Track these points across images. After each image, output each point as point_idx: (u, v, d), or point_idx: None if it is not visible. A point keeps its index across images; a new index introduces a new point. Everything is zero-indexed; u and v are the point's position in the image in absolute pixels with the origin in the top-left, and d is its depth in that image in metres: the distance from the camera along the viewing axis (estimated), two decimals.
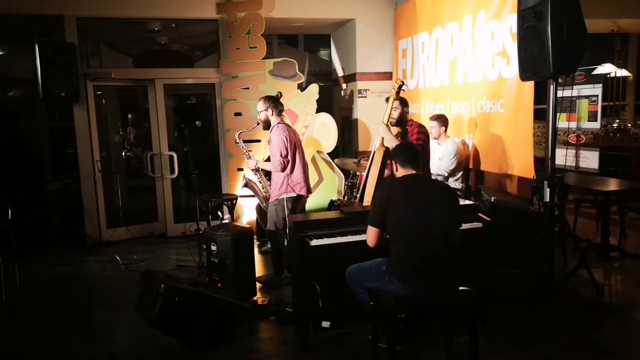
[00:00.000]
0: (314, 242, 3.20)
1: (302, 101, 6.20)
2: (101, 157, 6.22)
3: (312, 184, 5.59)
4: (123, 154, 7.24)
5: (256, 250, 5.47)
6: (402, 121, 4.42)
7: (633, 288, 4.36)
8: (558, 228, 4.38)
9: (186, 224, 6.31)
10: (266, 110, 4.40)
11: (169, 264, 5.26)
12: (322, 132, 6.20)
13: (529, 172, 4.41)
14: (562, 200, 4.16)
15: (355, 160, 5.67)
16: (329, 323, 3.35)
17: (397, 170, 3.03)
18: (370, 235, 2.90)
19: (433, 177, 4.84)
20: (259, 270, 4.75)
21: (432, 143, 4.81)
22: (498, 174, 4.93)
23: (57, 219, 6.20)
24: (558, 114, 3.95)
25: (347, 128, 7.30)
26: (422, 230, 2.78)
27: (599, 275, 4.36)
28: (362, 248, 3.00)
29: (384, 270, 2.85)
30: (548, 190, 3.86)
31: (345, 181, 6.02)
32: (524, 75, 3.85)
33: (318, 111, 6.23)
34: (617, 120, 7.83)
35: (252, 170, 4.67)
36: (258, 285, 4.36)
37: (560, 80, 3.87)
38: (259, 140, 5.98)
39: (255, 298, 4.11)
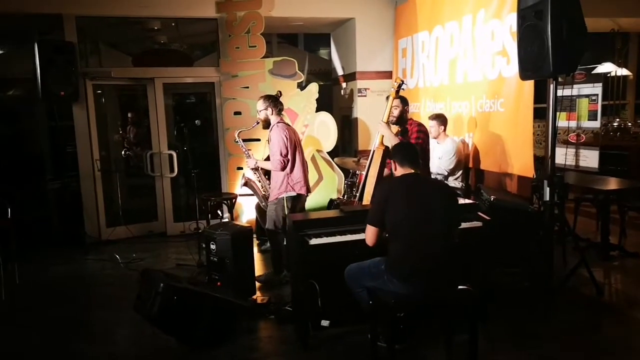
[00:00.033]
0: (313, 241, 3.19)
1: (302, 100, 6.20)
2: (101, 156, 6.22)
3: (311, 183, 5.59)
4: (122, 152, 7.24)
5: (256, 249, 5.48)
6: (402, 120, 4.43)
7: (633, 287, 4.35)
8: (558, 227, 4.38)
9: (186, 222, 6.32)
10: (266, 109, 4.40)
11: (169, 263, 5.26)
12: (322, 131, 6.19)
13: (529, 171, 4.41)
14: (562, 199, 4.15)
15: (355, 159, 5.67)
16: (328, 322, 3.34)
17: (395, 170, 3.02)
18: (369, 235, 2.89)
19: (433, 177, 4.84)
20: (259, 269, 4.74)
21: (432, 142, 4.81)
22: (498, 173, 4.93)
23: (56, 218, 6.20)
24: (558, 113, 3.95)
25: (347, 127, 7.29)
26: (422, 229, 2.77)
27: (599, 274, 4.35)
28: (361, 247, 2.99)
29: (383, 270, 2.85)
30: (548, 189, 3.86)
31: (345, 180, 6.02)
32: (524, 74, 3.84)
33: (318, 110, 6.23)
34: (618, 119, 7.82)
35: (252, 169, 4.66)
36: (257, 284, 4.35)
37: (560, 79, 3.86)
38: (258, 139, 5.98)
39: (254, 297, 4.11)
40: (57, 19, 5.83)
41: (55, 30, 6.10)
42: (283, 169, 4.28)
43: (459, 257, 2.90)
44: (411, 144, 3.27)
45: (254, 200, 5.19)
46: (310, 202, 5.28)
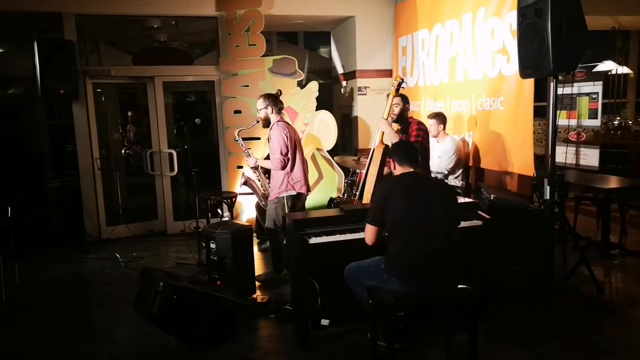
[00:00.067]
0: (313, 240, 3.19)
1: (302, 99, 6.19)
2: (101, 155, 6.21)
3: (311, 181, 5.59)
4: (122, 151, 7.23)
5: (256, 248, 5.48)
6: (403, 118, 4.42)
7: (633, 286, 4.35)
8: (558, 226, 4.37)
9: (186, 221, 6.31)
10: (266, 108, 4.39)
11: (169, 262, 5.26)
12: (322, 129, 6.19)
13: (529, 170, 4.40)
14: (562, 198, 4.15)
15: (355, 157, 5.66)
16: (328, 321, 3.34)
17: (394, 169, 3.02)
18: (369, 234, 2.89)
19: (433, 175, 4.83)
20: (259, 268, 4.74)
21: (432, 141, 4.80)
22: (498, 172, 4.92)
23: (56, 217, 6.19)
24: (558, 112, 3.93)
25: (347, 125, 7.28)
26: (422, 228, 2.77)
27: (599, 273, 4.35)
28: (361, 246, 2.99)
29: (382, 269, 2.85)
30: (548, 187, 3.85)
31: (345, 179, 6.01)
32: (524, 72, 3.83)
33: (318, 109, 6.22)
34: (618, 118, 7.81)
35: (251, 168, 4.66)
36: (257, 283, 4.35)
37: (560, 78, 3.85)
38: (258, 138, 5.97)
39: (254, 296, 4.11)
40: (56, 17, 5.81)
41: (55, 28, 6.09)
42: (283, 167, 4.28)
43: (459, 256, 2.89)
44: (410, 143, 3.27)
45: (254, 199, 5.19)
46: (311, 200, 5.27)
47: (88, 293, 4.64)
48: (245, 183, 4.80)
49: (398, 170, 2.98)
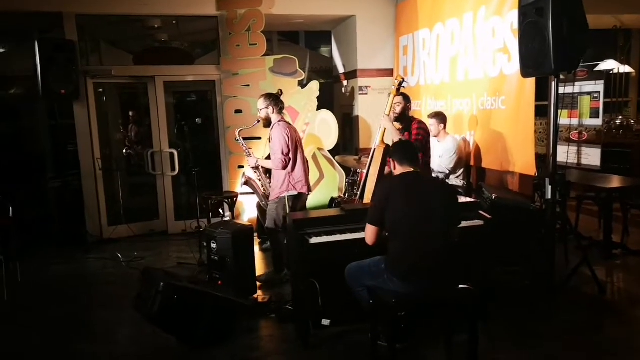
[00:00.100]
0: (314, 240, 3.19)
1: (303, 98, 6.18)
2: (102, 155, 6.21)
3: (312, 181, 5.58)
4: (124, 151, 7.24)
5: (257, 248, 5.48)
6: (405, 117, 4.42)
7: (635, 286, 4.33)
8: (560, 225, 4.36)
9: (187, 221, 6.31)
10: (267, 108, 4.38)
11: (170, 262, 5.26)
12: (323, 129, 6.18)
13: (531, 169, 4.39)
14: (563, 198, 4.14)
15: (356, 157, 5.65)
16: (329, 321, 3.34)
17: (395, 169, 3.01)
18: (369, 234, 2.88)
19: (434, 175, 4.83)
20: (260, 268, 4.74)
21: (433, 141, 4.80)
22: (499, 171, 4.91)
23: (58, 217, 6.20)
24: (559, 111, 3.92)
25: (348, 125, 7.28)
26: (422, 228, 2.76)
27: (601, 272, 4.33)
28: (361, 246, 2.99)
29: (383, 269, 2.84)
30: (550, 187, 3.84)
31: (346, 178, 6.01)
32: (525, 71, 3.82)
33: (319, 108, 6.21)
34: (620, 117, 7.78)
35: (252, 168, 4.65)
36: (258, 283, 4.35)
37: (561, 77, 3.84)
38: (259, 138, 5.96)
39: (255, 296, 4.11)
40: (57, 17, 5.82)
41: (55, 28, 6.09)
42: (284, 167, 4.27)
43: (460, 256, 2.89)
44: (410, 143, 3.27)
45: (256, 199, 5.19)
46: (312, 200, 5.26)
47: (89, 293, 4.65)
48: (246, 183, 4.80)
49: (398, 170, 2.97)
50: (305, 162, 4.48)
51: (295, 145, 4.34)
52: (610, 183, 5.07)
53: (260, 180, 4.73)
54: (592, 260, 4.18)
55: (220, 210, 5.64)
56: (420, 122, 4.45)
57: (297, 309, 3.53)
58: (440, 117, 5.00)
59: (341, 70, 7.53)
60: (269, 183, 4.56)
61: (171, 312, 3.13)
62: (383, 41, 6.80)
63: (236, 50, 6.13)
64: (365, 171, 4.34)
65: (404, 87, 4.39)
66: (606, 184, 5.01)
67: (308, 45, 10.23)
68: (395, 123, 4.37)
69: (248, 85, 6.17)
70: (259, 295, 4.14)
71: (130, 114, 7.44)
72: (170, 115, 7.05)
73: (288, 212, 4.19)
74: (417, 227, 2.76)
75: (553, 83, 3.82)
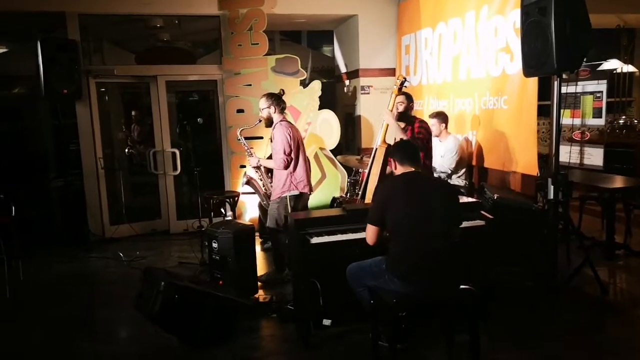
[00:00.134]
0: (315, 240, 3.18)
1: (305, 98, 6.18)
2: (104, 154, 6.22)
3: (314, 181, 5.58)
4: (126, 150, 7.25)
5: (259, 248, 5.48)
6: (407, 116, 4.41)
7: (638, 286, 4.32)
8: (562, 225, 4.34)
9: (189, 221, 6.31)
10: (269, 107, 4.38)
11: (171, 261, 5.27)
12: (325, 128, 6.17)
13: (533, 169, 4.38)
14: (566, 198, 4.12)
15: (358, 157, 5.64)
16: (329, 321, 3.33)
17: (395, 169, 3.00)
18: (370, 234, 2.88)
19: (436, 174, 4.82)
20: (261, 267, 4.74)
21: (434, 140, 4.78)
22: (502, 171, 4.89)
23: (60, 216, 6.22)
24: (562, 111, 3.91)
25: (350, 125, 7.27)
26: (422, 228, 2.75)
27: (603, 273, 4.32)
28: (362, 246, 2.98)
29: (384, 269, 2.83)
30: (552, 187, 3.83)
31: (347, 178, 6.00)
32: (528, 71, 3.81)
33: (321, 108, 6.20)
34: (624, 117, 7.75)
35: (254, 167, 4.65)
36: (259, 282, 4.34)
37: (564, 76, 3.82)
38: (261, 138, 5.96)
39: (256, 295, 4.11)
40: (60, 17, 5.83)
41: (58, 28, 6.10)
42: (286, 167, 4.27)
43: (460, 256, 2.87)
44: (411, 143, 3.26)
45: (257, 198, 5.19)
46: (313, 200, 5.26)
47: (91, 292, 4.66)
48: (248, 182, 4.80)
49: (399, 169, 2.96)
50: (306, 162, 4.48)
51: (297, 145, 4.34)
52: (613, 183, 5.05)
53: (261, 180, 4.73)
54: (595, 260, 4.16)
55: (222, 210, 5.64)
56: (422, 122, 4.44)
57: (298, 308, 3.53)
58: (442, 117, 4.99)
59: (343, 69, 7.52)
60: (270, 183, 4.56)
61: (172, 312, 3.13)
62: (385, 40, 6.79)
63: (238, 50, 6.13)
64: (366, 171, 4.33)
65: (405, 86, 4.38)
66: (609, 184, 4.99)
67: (310, 45, 10.21)
68: (398, 122, 4.36)
69: (250, 85, 6.17)
70: (260, 294, 4.14)
71: (133, 113, 7.45)
72: (173, 114, 7.06)
73: (289, 211, 4.19)
74: (417, 227, 2.75)
75: (555, 83, 3.80)
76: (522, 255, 4.12)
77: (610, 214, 4.93)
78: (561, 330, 3.45)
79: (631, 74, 8.36)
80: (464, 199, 3.77)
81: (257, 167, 4.64)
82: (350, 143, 7.34)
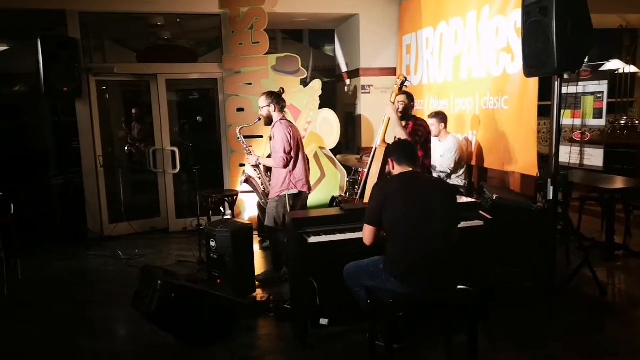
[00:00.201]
0: (312, 240, 3.17)
1: (305, 97, 6.17)
2: (104, 152, 6.22)
3: (314, 180, 5.57)
4: (125, 148, 7.24)
5: (257, 247, 5.47)
6: (408, 115, 4.40)
7: (637, 287, 4.30)
8: (562, 226, 4.33)
9: (187, 219, 6.31)
10: (268, 106, 4.37)
11: (170, 260, 5.26)
12: (325, 128, 6.16)
13: (532, 170, 4.36)
14: (566, 198, 4.11)
15: (358, 156, 5.64)
16: (327, 320, 3.32)
17: (393, 169, 2.99)
18: (367, 234, 2.87)
19: (435, 175, 4.81)
20: (259, 266, 4.73)
21: (434, 140, 4.77)
22: (501, 171, 4.88)
23: (59, 214, 6.22)
24: (562, 111, 3.89)
25: (350, 124, 7.26)
26: (422, 228, 2.74)
27: (602, 274, 4.31)
28: (360, 246, 2.96)
29: (381, 269, 2.82)
30: (552, 188, 3.81)
31: (347, 177, 5.99)
32: (528, 71, 3.79)
33: (322, 107, 6.19)
34: (625, 117, 7.72)
35: (252, 166, 4.64)
36: (257, 282, 4.34)
37: (565, 77, 3.81)
38: (261, 136, 5.95)
39: (254, 294, 4.10)
40: (60, 15, 5.83)
41: (59, 26, 6.10)
42: (286, 166, 4.26)
43: (460, 256, 2.86)
44: (409, 143, 3.25)
45: (256, 197, 5.18)
46: (313, 199, 5.25)
47: (90, 290, 4.64)
48: (247, 181, 4.79)
49: (397, 169, 2.95)
50: (306, 161, 4.47)
51: (296, 144, 4.33)
52: (614, 184, 5.03)
53: (260, 179, 4.72)
54: (594, 261, 4.15)
55: (221, 209, 5.63)
56: (422, 120, 4.44)
57: (295, 308, 3.52)
58: (441, 117, 4.98)
59: (344, 69, 7.51)
60: (269, 181, 4.55)
61: (169, 311, 3.13)
62: (386, 40, 6.77)
63: (239, 49, 6.12)
64: (366, 170, 4.32)
65: (406, 86, 4.37)
66: (609, 185, 4.98)
67: (312, 44, 10.21)
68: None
69: (250, 84, 6.16)
70: (258, 294, 4.13)
71: (133, 111, 7.45)
72: (173, 113, 7.06)
73: (288, 210, 4.18)
74: (416, 227, 2.74)
75: (556, 83, 3.78)
76: (522, 255, 4.11)
77: (610, 214, 4.92)
78: (560, 330, 3.45)
79: (633, 74, 8.34)
80: (463, 199, 3.76)
81: (256, 166, 4.64)
82: (350, 142, 7.33)
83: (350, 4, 6.64)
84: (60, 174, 6.18)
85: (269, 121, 4.42)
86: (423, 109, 6.14)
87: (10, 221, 4.62)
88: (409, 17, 6.46)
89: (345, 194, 5.78)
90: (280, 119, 4.36)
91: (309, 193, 4.52)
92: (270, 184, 4.50)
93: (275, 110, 4.37)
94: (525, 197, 4.67)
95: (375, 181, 4.02)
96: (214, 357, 3.24)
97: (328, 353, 3.22)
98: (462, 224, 3.23)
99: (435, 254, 2.74)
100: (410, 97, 4.45)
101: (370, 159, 4.27)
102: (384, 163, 4.09)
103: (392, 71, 6.80)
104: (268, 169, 4.62)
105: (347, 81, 7.31)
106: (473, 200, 3.92)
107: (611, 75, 5.93)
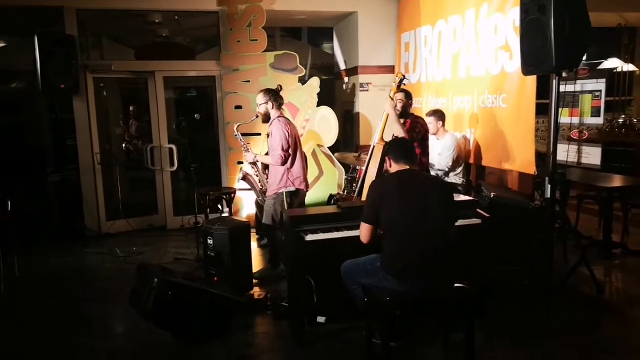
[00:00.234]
0: (309, 237, 3.17)
1: (303, 94, 6.15)
2: (101, 150, 6.20)
3: (312, 177, 5.56)
4: (123, 145, 7.22)
5: (255, 244, 5.47)
6: (406, 113, 4.40)
7: (634, 285, 4.31)
8: (559, 224, 4.33)
9: (185, 216, 6.30)
10: (266, 103, 4.36)
11: (167, 257, 5.25)
12: (323, 125, 6.15)
13: (530, 168, 4.36)
14: (563, 196, 4.11)
15: (356, 154, 5.63)
16: (324, 318, 3.33)
17: (390, 166, 2.98)
18: (364, 232, 2.86)
19: (433, 172, 4.80)
20: (257, 264, 4.73)
21: (431, 139, 4.77)
22: (499, 169, 4.88)
23: (56, 211, 6.21)
24: (560, 109, 3.89)
25: (349, 122, 7.25)
26: (419, 225, 2.73)
27: (599, 272, 4.31)
28: (357, 243, 2.96)
29: (378, 267, 2.82)
30: (549, 186, 3.81)
31: (345, 175, 5.99)
32: (526, 69, 3.79)
33: (320, 104, 6.18)
34: (623, 116, 7.73)
35: (250, 163, 4.63)
36: (254, 279, 4.33)
37: (563, 75, 3.81)
38: (259, 134, 5.94)
39: (252, 292, 4.10)
40: (58, 11, 5.80)
41: (56, 23, 6.07)
42: (283, 163, 4.25)
43: (457, 254, 2.86)
44: (406, 141, 3.24)
45: (254, 195, 5.17)
46: (311, 197, 5.25)
47: (87, 287, 4.62)
48: (244, 178, 4.78)
49: (394, 167, 2.94)
50: (303, 159, 4.46)
51: (294, 142, 4.32)
52: (611, 182, 5.03)
53: (257, 176, 4.71)
54: (592, 259, 4.16)
55: (219, 206, 5.62)
56: (420, 118, 4.44)
57: (292, 305, 3.52)
58: (438, 115, 4.97)
59: (342, 66, 7.49)
60: (267, 179, 4.54)
61: (165, 308, 3.12)
62: (384, 37, 6.76)
63: (237, 46, 6.10)
64: (364, 168, 4.31)
65: (404, 84, 4.37)
66: (607, 183, 4.98)
67: (310, 41, 10.19)
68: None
69: (248, 81, 6.14)
70: (256, 291, 4.13)
71: (131, 108, 7.43)
72: (170, 110, 7.04)
73: (286, 208, 4.18)
74: (414, 225, 2.73)
75: (554, 81, 3.78)
76: (519, 253, 4.11)
77: (608, 213, 4.92)
78: (558, 329, 3.45)
79: (631, 72, 8.34)
80: (460, 197, 3.75)
81: (254, 163, 4.62)
82: (348, 140, 7.33)
83: (349, 2, 6.63)
84: (58, 171, 6.16)
85: (266, 118, 4.41)
86: (421, 107, 6.14)
87: (7, 218, 4.61)
88: (408, 14, 6.45)
89: (343, 191, 5.78)
90: (278, 117, 4.35)
91: (307, 191, 4.51)
92: (267, 182, 4.49)
93: (272, 108, 4.36)
94: (523, 195, 4.66)
95: (373, 179, 4.02)
96: (211, 354, 3.24)
97: (325, 351, 3.22)
98: (460, 222, 3.23)
99: (433, 252, 2.74)
100: (408, 95, 4.45)
101: (368, 156, 4.26)
102: (382, 161, 4.09)
103: (390, 69, 6.80)
104: (265, 167, 4.61)
105: (346, 79, 7.30)
106: (471, 198, 3.92)
107: (609, 74, 5.94)
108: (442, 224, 2.79)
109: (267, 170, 4.61)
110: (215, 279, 3.96)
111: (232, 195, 5.59)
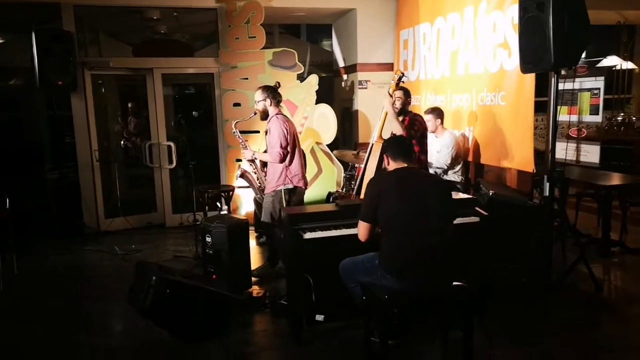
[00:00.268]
0: (308, 235, 3.16)
1: (302, 92, 6.14)
2: (99, 147, 6.18)
3: (311, 175, 5.55)
4: (121, 143, 7.21)
5: (254, 242, 5.47)
6: (404, 111, 4.40)
7: (632, 283, 4.31)
8: (558, 222, 4.33)
9: (184, 214, 6.30)
10: (264, 100, 4.35)
11: (166, 255, 5.25)
12: (322, 123, 6.14)
13: (529, 166, 4.36)
14: (562, 194, 4.11)
15: (354, 152, 5.62)
16: (322, 316, 3.32)
17: (388, 164, 2.98)
18: (362, 230, 2.85)
19: (432, 170, 4.80)
20: (256, 262, 4.72)
21: (430, 136, 4.77)
22: (498, 167, 4.88)
23: (55, 209, 6.20)
24: (559, 107, 3.88)
25: (347, 119, 7.24)
26: (418, 224, 2.73)
27: (598, 270, 4.32)
28: (355, 242, 2.95)
29: (376, 265, 2.81)
30: (548, 184, 3.81)
31: (343, 173, 5.98)
32: (525, 67, 3.78)
33: (319, 102, 6.17)
34: (622, 114, 7.73)
35: (248, 160, 4.62)
36: (253, 277, 4.33)
37: (562, 73, 3.80)
38: (257, 131, 5.93)
39: (250, 290, 4.09)
40: (55, 8, 5.78)
41: (54, 19, 6.05)
42: (282, 161, 4.24)
43: (456, 253, 2.86)
44: (404, 138, 3.24)
45: (253, 192, 5.17)
46: (309, 195, 5.24)
47: (86, 285, 4.62)
48: (242, 176, 4.77)
49: (392, 165, 2.94)
50: (302, 157, 4.45)
51: (292, 139, 4.31)
52: (610, 180, 5.03)
53: (256, 173, 4.71)
54: (590, 257, 4.16)
55: (218, 204, 5.62)
56: (418, 115, 4.43)
57: (291, 303, 3.52)
58: (437, 112, 4.97)
59: (341, 64, 7.48)
60: (265, 176, 4.54)
61: (164, 306, 3.12)
62: (383, 35, 6.75)
63: (235, 43, 6.08)
64: (362, 166, 4.31)
65: (403, 81, 4.36)
66: (606, 182, 4.98)
67: (309, 39, 10.18)
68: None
69: (247, 79, 6.13)
70: (254, 289, 4.13)
71: (129, 105, 7.41)
72: (169, 107, 7.02)
73: (284, 205, 4.17)
74: (412, 223, 2.73)
75: (553, 79, 3.78)
76: (518, 251, 4.11)
77: (607, 211, 4.92)
78: (556, 327, 3.46)
79: (630, 70, 8.34)
80: (459, 195, 3.75)
81: (252, 161, 4.61)
82: (347, 138, 7.32)
83: None
84: (56, 168, 6.15)
85: (264, 116, 4.40)
86: (420, 105, 6.13)
87: (5, 216, 4.60)
88: (406, 12, 6.43)
89: (342, 189, 5.78)
90: (276, 114, 4.34)
91: (306, 188, 4.51)
92: (266, 179, 4.49)
93: (271, 105, 4.35)
94: (522, 193, 4.67)
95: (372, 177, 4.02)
96: (209, 352, 3.24)
97: (323, 349, 3.22)
98: (458, 220, 3.22)
99: (431, 250, 2.74)
100: (407, 93, 4.45)
101: (367, 154, 4.26)
102: (381, 159, 4.08)
103: (389, 66, 6.78)
104: (264, 164, 4.60)
105: (344, 76, 7.28)
106: (469, 196, 3.91)
107: (608, 72, 5.92)
108: (440, 222, 2.79)
109: (265, 168, 4.60)
110: (214, 276, 3.95)
111: (231, 192, 5.58)
